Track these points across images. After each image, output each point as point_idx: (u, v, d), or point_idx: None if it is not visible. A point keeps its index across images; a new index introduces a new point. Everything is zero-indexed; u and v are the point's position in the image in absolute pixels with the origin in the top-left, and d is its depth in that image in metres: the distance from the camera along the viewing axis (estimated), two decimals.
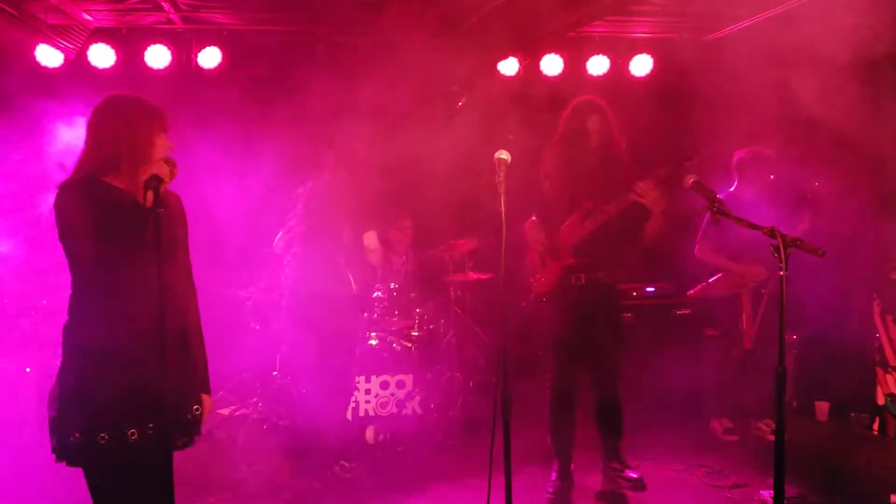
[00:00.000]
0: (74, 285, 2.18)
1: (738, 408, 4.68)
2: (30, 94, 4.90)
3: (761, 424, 4.58)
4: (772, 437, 4.37)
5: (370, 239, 4.03)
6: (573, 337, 3.72)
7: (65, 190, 2.12)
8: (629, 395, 4.73)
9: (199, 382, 2.34)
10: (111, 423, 2.09)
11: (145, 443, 2.12)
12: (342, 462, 4.12)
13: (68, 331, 2.18)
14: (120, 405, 2.10)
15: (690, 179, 3.02)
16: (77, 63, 5.19)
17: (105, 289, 2.13)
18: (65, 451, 2.10)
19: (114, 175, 2.16)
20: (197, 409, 2.31)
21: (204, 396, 2.35)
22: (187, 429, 2.26)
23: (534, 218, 3.78)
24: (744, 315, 4.54)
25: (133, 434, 2.11)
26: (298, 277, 4.01)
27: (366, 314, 4.67)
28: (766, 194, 4.51)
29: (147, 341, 2.13)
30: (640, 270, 5.42)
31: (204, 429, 4.68)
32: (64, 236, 2.12)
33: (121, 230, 2.08)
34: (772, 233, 2.67)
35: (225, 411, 5.00)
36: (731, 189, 4.64)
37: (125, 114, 2.20)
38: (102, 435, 2.07)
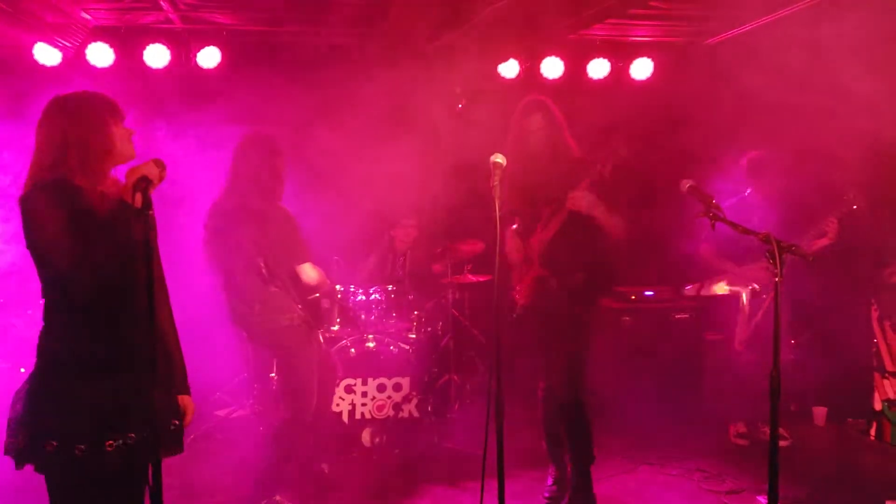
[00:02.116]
0: (48, 293, 2.12)
1: (746, 412, 4.67)
2: (27, 92, 4.89)
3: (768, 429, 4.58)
4: (780, 443, 4.39)
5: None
6: (547, 345, 3.60)
7: (30, 197, 2.04)
8: (628, 399, 4.74)
9: (178, 385, 2.30)
10: (89, 435, 2.04)
11: (122, 455, 2.07)
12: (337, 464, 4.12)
13: (45, 338, 2.12)
14: (99, 416, 2.06)
15: (687, 184, 3.00)
16: (75, 62, 5.17)
17: (84, 297, 2.06)
18: (35, 458, 2.05)
19: (81, 176, 2.09)
20: (177, 423, 2.24)
21: (184, 398, 2.30)
22: (168, 441, 2.18)
23: (515, 226, 3.66)
24: (739, 317, 4.53)
25: (111, 446, 2.05)
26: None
27: (363, 316, 4.66)
28: (779, 199, 4.50)
29: (129, 349, 2.12)
30: (638, 273, 5.41)
31: (199, 430, 4.73)
32: (33, 244, 2.05)
33: (99, 235, 2.02)
34: (766, 238, 2.67)
35: (221, 413, 4.99)
36: (746, 193, 4.63)
37: (75, 111, 2.14)
38: (80, 447, 2.02)
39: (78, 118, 2.13)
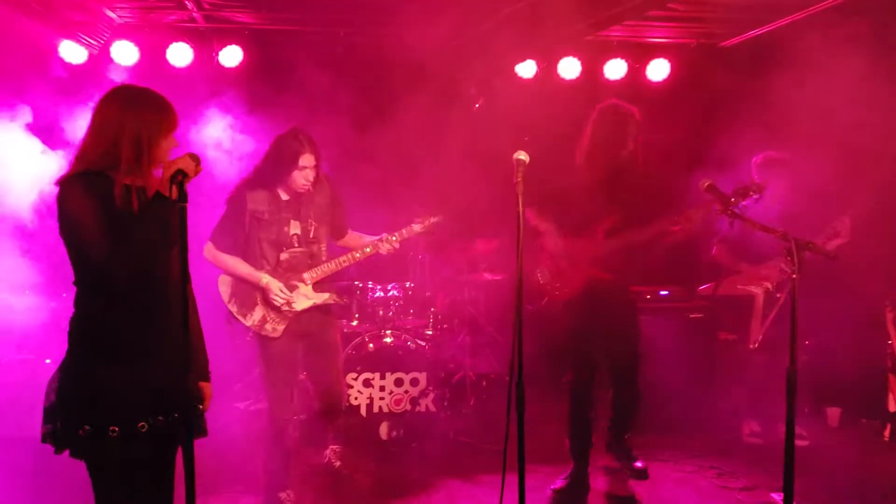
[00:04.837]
0: (82, 281, 2.18)
1: (759, 412, 4.68)
2: (53, 90, 4.98)
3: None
4: (799, 443, 4.40)
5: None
6: (593, 338, 3.75)
7: (68, 185, 2.11)
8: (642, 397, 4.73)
9: (200, 372, 2.37)
10: (122, 417, 2.11)
11: (153, 436, 2.15)
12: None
13: (76, 324, 2.19)
14: (131, 399, 2.13)
15: (706, 183, 3.04)
16: (100, 60, 5.27)
17: (115, 283, 2.12)
18: (69, 443, 2.12)
19: (126, 172, 2.14)
20: (201, 407, 2.32)
21: (204, 385, 2.38)
22: (195, 423, 2.26)
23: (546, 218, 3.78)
24: (753, 316, 4.54)
25: (143, 427, 2.13)
26: None
27: (381, 312, 4.73)
28: (791, 199, 4.50)
29: (161, 336, 2.18)
30: (653, 273, 5.43)
31: (220, 422, 4.79)
32: (70, 232, 2.11)
33: (134, 228, 2.09)
34: (785, 236, 2.71)
35: (241, 405, 5.06)
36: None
37: (143, 109, 2.17)
38: (113, 428, 2.09)
39: (144, 118, 2.16)
